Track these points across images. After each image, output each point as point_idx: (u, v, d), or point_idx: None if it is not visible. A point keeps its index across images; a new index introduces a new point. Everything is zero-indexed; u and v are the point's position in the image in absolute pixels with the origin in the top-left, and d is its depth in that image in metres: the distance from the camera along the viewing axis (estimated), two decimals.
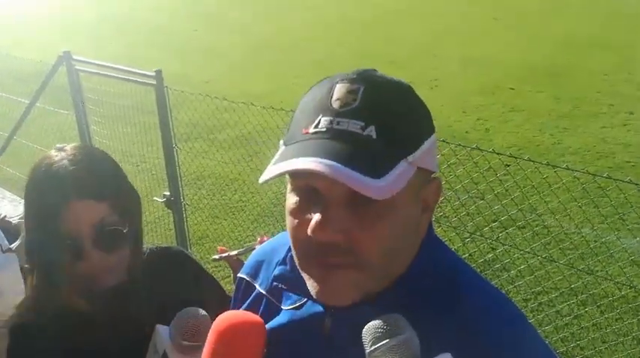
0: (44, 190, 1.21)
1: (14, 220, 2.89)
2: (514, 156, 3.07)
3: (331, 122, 0.81)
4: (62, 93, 4.47)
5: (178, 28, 15.06)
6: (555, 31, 12.77)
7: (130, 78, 3.77)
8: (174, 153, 3.72)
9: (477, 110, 8.21)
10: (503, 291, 1.11)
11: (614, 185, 3.34)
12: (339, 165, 0.77)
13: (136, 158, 5.50)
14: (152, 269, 1.35)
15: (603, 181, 3.92)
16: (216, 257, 1.54)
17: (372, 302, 0.87)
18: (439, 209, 4.60)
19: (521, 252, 4.12)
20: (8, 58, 6.50)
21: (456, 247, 4.38)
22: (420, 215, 0.90)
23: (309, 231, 0.82)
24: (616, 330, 3.70)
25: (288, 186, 0.88)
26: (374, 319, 0.81)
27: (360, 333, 0.81)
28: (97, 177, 1.23)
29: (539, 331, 1.02)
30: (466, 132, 7.38)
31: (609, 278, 3.88)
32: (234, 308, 1.08)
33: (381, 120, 0.81)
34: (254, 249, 1.18)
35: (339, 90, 0.83)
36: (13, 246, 2.42)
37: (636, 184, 2.77)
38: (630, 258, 4.15)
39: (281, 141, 0.88)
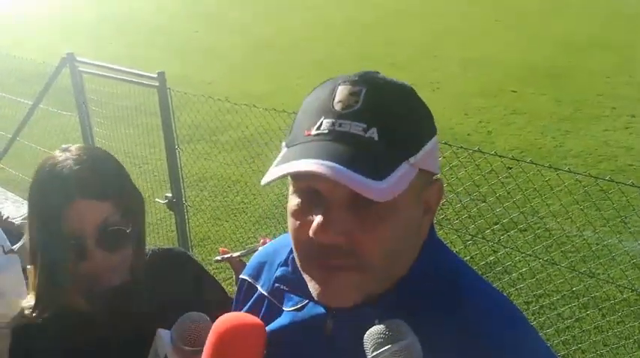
0: (48, 189, 1.22)
1: (17, 221, 2.89)
2: (516, 158, 3.08)
3: (333, 124, 0.82)
4: (65, 95, 4.48)
5: (178, 29, 15.09)
6: (555, 31, 12.78)
7: (133, 79, 3.77)
8: (177, 154, 3.72)
9: (479, 112, 8.21)
10: (505, 294, 1.10)
11: (617, 188, 3.35)
12: (341, 167, 0.77)
13: (139, 159, 5.51)
14: (154, 270, 1.36)
15: (605, 184, 3.91)
16: (218, 258, 1.54)
17: (374, 304, 0.87)
18: (441, 211, 4.60)
19: (523, 254, 4.12)
20: (9, 58, 6.51)
21: (457, 249, 4.37)
22: (422, 217, 0.90)
23: (310, 233, 0.82)
24: (617, 333, 3.69)
25: (290, 188, 0.88)
26: (375, 320, 0.81)
27: (362, 334, 0.81)
28: (101, 176, 1.24)
29: (540, 334, 1.02)
30: (468, 134, 7.38)
31: (611, 281, 3.88)
32: (235, 310, 1.08)
33: (383, 122, 0.82)
34: (256, 250, 1.18)
35: (341, 92, 0.84)
36: (15, 247, 2.42)
37: (638, 187, 2.76)
38: (632, 261, 4.14)
39: (283, 143, 0.88)
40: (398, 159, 0.81)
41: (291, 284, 0.99)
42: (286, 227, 0.91)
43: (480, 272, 1.02)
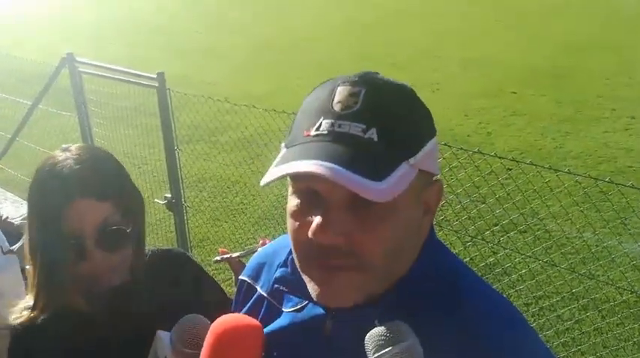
0: (48, 189, 1.22)
1: (16, 221, 2.89)
2: (516, 159, 3.08)
3: (332, 125, 0.82)
4: (65, 95, 4.48)
5: (178, 29, 15.10)
6: (555, 31, 12.79)
7: (132, 80, 3.77)
8: (176, 155, 3.72)
9: (479, 113, 8.21)
10: (505, 295, 1.10)
11: (616, 189, 3.34)
12: (340, 167, 0.77)
13: (138, 160, 5.51)
14: (153, 270, 1.36)
15: (605, 185, 3.91)
16: (218, 259, 1.54)
17: (374, 304, 0.87)
18: (440, 212, 4.59)
19: (523, 256, 4.12)
20: (9, 59, 6.51)
21: (457, 251, 4.36)
22: (422, 217, 0.90)
23: (310, 234, 0.82)
24: (617, 335, 3.69)
25: (290, 189, 0.88)
26: (375, 321, 0.81)
27: (361, 335, 0.81)
28: (101, 176, 1.24)
29: (540, 335, 1.01)
30: (468, 135, 7.38)
31: (611, 282, 3.88)
32: (235, 311, 1.08)
33: (382, 122, 0.82)
34: (255, 251, 1.18)
35: (341, 92, 0.84)
36: (14, 247, 2.42)
37: (638, 189, 2.77)
38: (632, 263, 4.14)
39: (282, 144, 0.88)
40: (397, 159, 0.81)
41: (290, 285, 0.99)
42: (285, 228, 0.91)
43: (479, 274, 1.02)
